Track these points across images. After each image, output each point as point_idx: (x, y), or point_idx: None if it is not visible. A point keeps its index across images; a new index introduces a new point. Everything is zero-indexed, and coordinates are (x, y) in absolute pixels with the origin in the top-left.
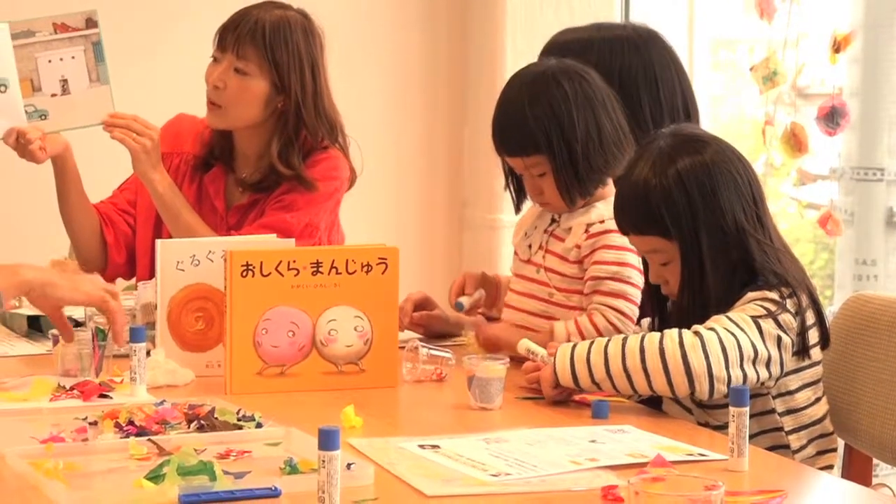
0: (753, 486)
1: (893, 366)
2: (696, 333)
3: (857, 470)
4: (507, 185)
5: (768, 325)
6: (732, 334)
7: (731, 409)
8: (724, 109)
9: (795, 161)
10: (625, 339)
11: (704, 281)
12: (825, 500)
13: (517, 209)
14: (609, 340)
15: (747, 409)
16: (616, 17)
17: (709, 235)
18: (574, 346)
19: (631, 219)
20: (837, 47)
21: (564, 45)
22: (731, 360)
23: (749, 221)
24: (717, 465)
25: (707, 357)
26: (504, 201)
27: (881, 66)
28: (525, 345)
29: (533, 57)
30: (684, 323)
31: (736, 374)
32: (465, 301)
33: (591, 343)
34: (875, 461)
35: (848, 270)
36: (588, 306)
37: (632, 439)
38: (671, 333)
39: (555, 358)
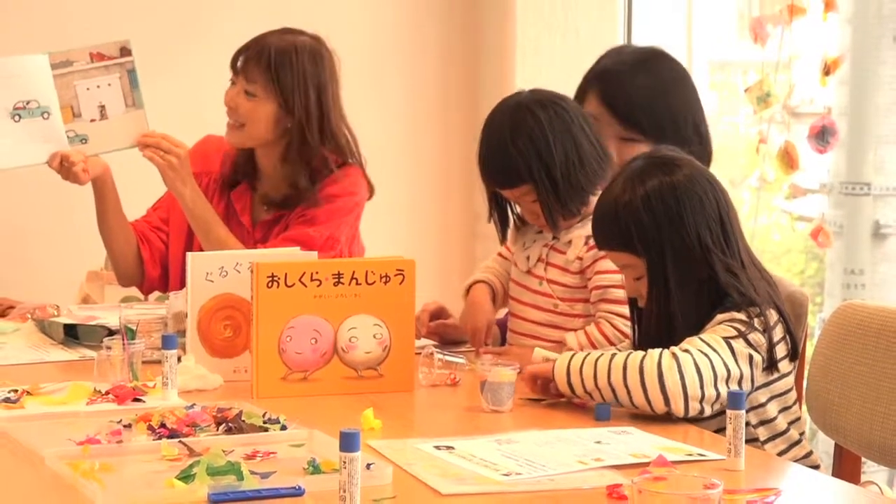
0: (750, 484)
1: (881, 370)
2: (674, 355)
3: (847, 468)
4: (491, 217)
5: (739, 345)
6: (706, 355)
7: (728, 411)
8: (720, 128)
9: (788, 177)
10: (613, 355)
11: (670, 297)
12: (817, 497)
13: (502, 239)
14: (601, 354)
15: (744, 411)
16: (619, 41)
17: (674, 253)
18: (572, 356)
19: (603, 235)
20: (827, 70)
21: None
22: (706, 380)
23: (714, 242)
24: (715, 464)
25: (682, 378)
26: None
27: (867, 87)
28: (542, 354)
29: (541, 77)
30: (653, 337)
31: (710, 393)
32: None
33: (587, 355)
34: (863, 459)
35: (837, 279)
36: (595, 314)
37: (635, 440)
38: (652, 354)
39: (554, 367)
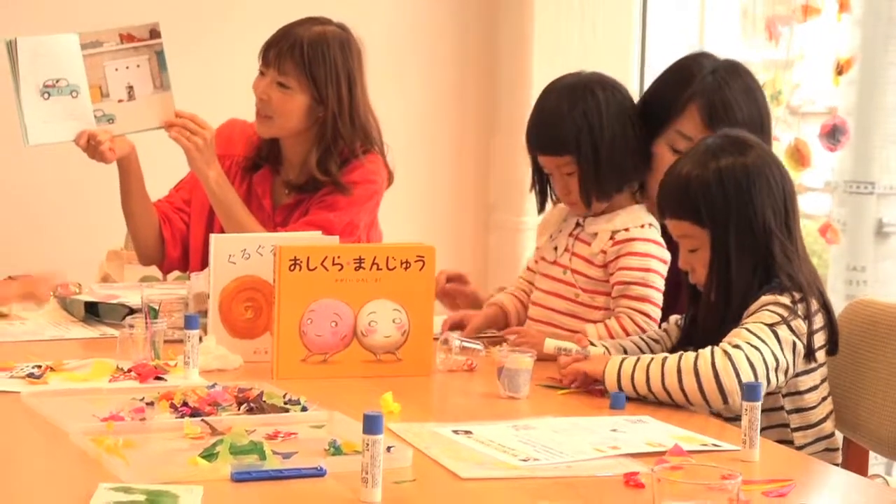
0: (763, 475)
1: (892, 365)
2: (726, 353)
3: (855, 462)
4: (533, 186)
5: (784, 332)
6: (756, 348)
7: (744, 403)
8: None
9: (798, 174)
10: (664, 360)
11: (729, 271)
12: (829, 489)
13: (540, 209)
14: (651, 360)
15: (759, 403)
16: (635, 37)
17: (738, 230)
18: (621, 362)
19: (670, 203)
20: (840, 70)
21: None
22: (760, 374)
23: (777, 225)
24: (729, 455)
25: (738, 375)
26: (528, 205)
27: (875, 88)
28: (553, 343)
29: (557, 69)
30: (710, 313)
31: (764, 385)
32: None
33: (637, 360)
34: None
35: (840, 275)
36: (615, 309)
37: (650, 429)
38: (704, 354)
39: (604, 372)
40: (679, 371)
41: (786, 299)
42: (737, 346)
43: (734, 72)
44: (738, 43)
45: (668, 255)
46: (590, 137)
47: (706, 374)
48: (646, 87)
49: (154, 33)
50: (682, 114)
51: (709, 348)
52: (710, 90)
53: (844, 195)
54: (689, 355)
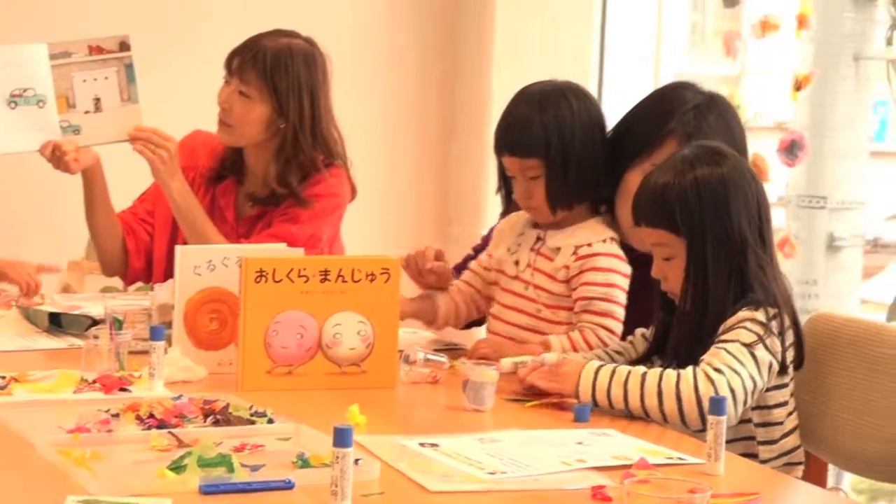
0: (728, 488)
1: (854, 379)
2: (708, 378)
3: (814, 474)
4: (500, 189)
5: (761, 353)
6: (737, 373)
7: (710, 417)
8: None
9: None
10: (644, 376)
11: (706, 280)
12: (793, 502)
13: (505, 212)
14: (629, 374)
15: (725, 418)
16: (594, 46)
17: (714, 238)
18: (596, 372)
19: (645, 211)
20: (798, 86)
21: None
22: (739, 400)
23: (752, 235)
24: (694, 468)
25: None
26: (486, 218)
27: (827, 105)
28: (509, 360)
29: (517, 82)
30: (685, 322)
31: (741, 409)
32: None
33: (613, 373)
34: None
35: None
36: (578, 323)
37: (615, 442)
38: (686, 378)
39: (578, 380)
40: (660, 393)
41: (762, 316)
42: (718, 371)
43: (714, 107)
44: (692, 57)
45: (629, 269)
46: (560, 143)
47: (688, 399)
48: (604, 96)
49: (123, 46)
50: (661, 147)
51: (689, 370)
52: (690, 126)
53: (797, 209)
54: (670, 376)
